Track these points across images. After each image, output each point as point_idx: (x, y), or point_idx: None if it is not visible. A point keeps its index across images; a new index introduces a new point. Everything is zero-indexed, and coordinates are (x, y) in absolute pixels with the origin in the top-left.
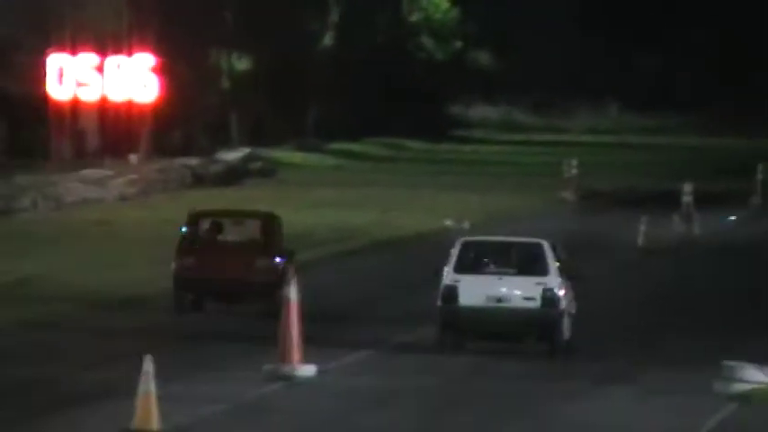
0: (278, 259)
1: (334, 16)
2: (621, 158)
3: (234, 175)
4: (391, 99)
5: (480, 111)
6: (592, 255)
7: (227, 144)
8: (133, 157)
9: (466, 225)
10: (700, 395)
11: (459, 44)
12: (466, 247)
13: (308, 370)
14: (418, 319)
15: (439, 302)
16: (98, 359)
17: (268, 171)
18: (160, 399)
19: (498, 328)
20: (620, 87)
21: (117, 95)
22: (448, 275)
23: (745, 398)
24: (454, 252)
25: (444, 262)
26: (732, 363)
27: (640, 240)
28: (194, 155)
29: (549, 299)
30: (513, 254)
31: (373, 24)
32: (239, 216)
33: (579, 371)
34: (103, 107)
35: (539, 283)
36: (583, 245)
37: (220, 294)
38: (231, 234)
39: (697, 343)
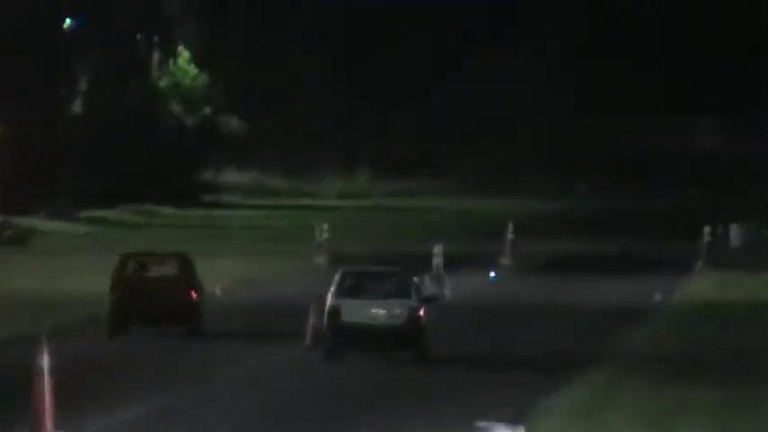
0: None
1: (82, 83)
2: (374, 222)
3: None
4: (143, 166)
5: (232, 176)
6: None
7: None
8: None
9: (218, 291)
10: None
11: (208, 110)
12: (344, 276)
13: None
14: (181, 379)
15: (325, 321)
16: None
17: (20, 239)
18: None
19: (372, 340)
20: (373, 150)
21: None
22: (331, 299)
23: None
24: (335, 281)
25: (326, 289)
26: (483, 423)
27: None
28: None
29: (411, 317)
30: (382, 281)
31: (122, 91)
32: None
33: None
34: None
35: (403, 305)
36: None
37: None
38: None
39: (446, 402)
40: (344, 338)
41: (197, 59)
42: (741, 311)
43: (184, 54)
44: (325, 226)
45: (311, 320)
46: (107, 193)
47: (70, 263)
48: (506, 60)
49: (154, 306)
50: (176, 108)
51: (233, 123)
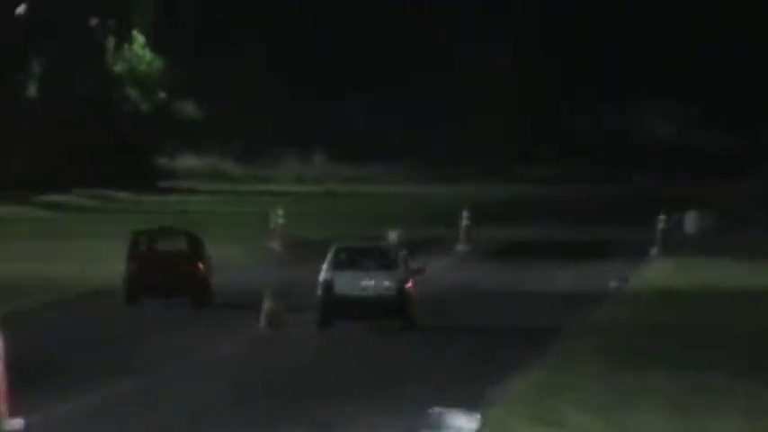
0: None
1: (36, 67)
2: (328, 208)
3: None
4: (98, 151)
5: (187, 161)
6: (296, 304)
7: None
8: None
9: None
10: None
11: (163, 95)
12: (338, 251)
13: (15, 423)
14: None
15: (319, 292)
16: None
17: None
18: None
19: (363, 311)
20: (327, 135)
21: None
22: (326, 272)
23: None
24: (329, 255)
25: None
26: (438, 409)
27: None
28: None
29: (399, 289)
30: (373, 255)
31: (78, 76)
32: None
33: None
34: None
35: (392, 277)
36: (291, 292)
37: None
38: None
39: (403, 389)
40: (337, 309)
41: (152, 44)
42: (695, 296)
43: (139, 39)
44: (280, 211)
45: (266, 304)
46: (63, 178)
47: (25, 248)
48: (464, 48)
49: (166, 278)
50: (132, 93)
51: (188, 108)
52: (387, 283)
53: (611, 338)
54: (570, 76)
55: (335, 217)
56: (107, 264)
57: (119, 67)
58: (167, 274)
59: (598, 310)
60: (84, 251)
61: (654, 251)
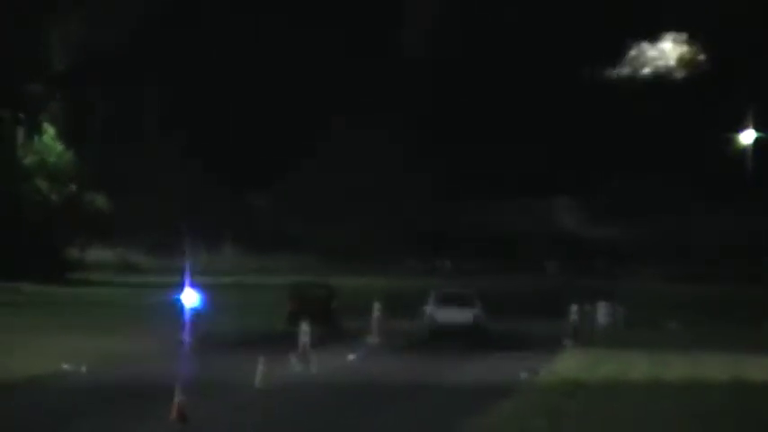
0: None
1: None
2: (238, 299)
3: None
4: (5, 241)
5: (96, 253)
6: (209, 396)
7: None
8: None
9: (83, 368)
10: None
11: (73, 187)
12: (437, 294)
13: None
14: None
15: (426, 321)
16: None
17: None
18: None
19: (453, 333)
20: (235, 228)
21: None
22: (430, 308)
23: None
24: (431, 296)
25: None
26: None
27: (257, 381)
28: None
29: (476, 318)
30: (459, 296)
31: None
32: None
33: None
34: None
35: (471, 311)
36: (201, 385)
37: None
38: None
39: None
40: (437, 333)
41: (62, 137)
42: (602, 388)
43: (50, 131)
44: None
45: (177, 398)
46: None
47: None
48: (365, 136)
49: (312, 311)
50: (42, 185)
51: (98, 201)
52: (467, 315)
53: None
54: (469, 171)
55: (246, 309)
56: (18, 355)
57: (29, 159)
58: (313, 309)
59: (505, 401)
60: None
61: (567, 342)
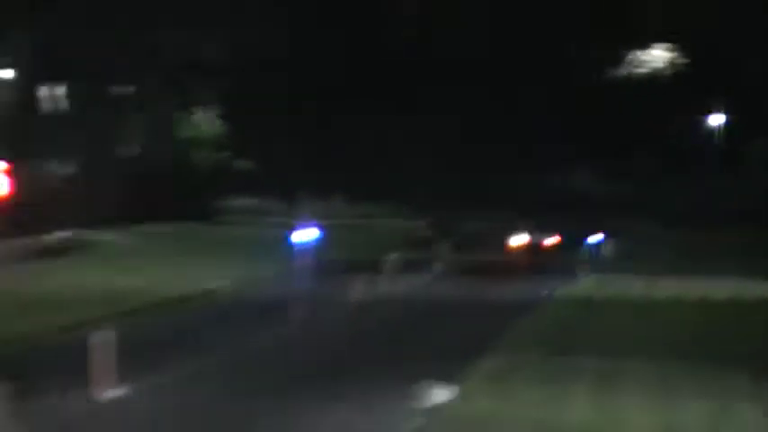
0: None
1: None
2: (344, 236)
3: (55, 252)
4: (178, 193)
5: (242, 201)
6: (325, 305)
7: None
8: None
9: (228, 287)
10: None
11: (226, 154)
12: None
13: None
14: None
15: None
16: None
17: (79, 248)
18: None
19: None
20: (344, 184)
21: None
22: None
23: (435, 412)
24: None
25: None
26: (423, 382)
27: (357, 294)
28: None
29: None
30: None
31: (167, 139)
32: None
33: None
34: None
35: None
36: (318, 299)
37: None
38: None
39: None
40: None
41: (220, 117)
42: (609, 303)
43: (206, 113)
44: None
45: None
46: (148, 216)
47: (122, 264)
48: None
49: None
50: (200, 153)
51: (244, 165)
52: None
53: (544, 333)
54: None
55: (353, 243)
56: (187, 276)
57: (189, 133)
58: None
59: (534, 314)
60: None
61: (583, 268)
